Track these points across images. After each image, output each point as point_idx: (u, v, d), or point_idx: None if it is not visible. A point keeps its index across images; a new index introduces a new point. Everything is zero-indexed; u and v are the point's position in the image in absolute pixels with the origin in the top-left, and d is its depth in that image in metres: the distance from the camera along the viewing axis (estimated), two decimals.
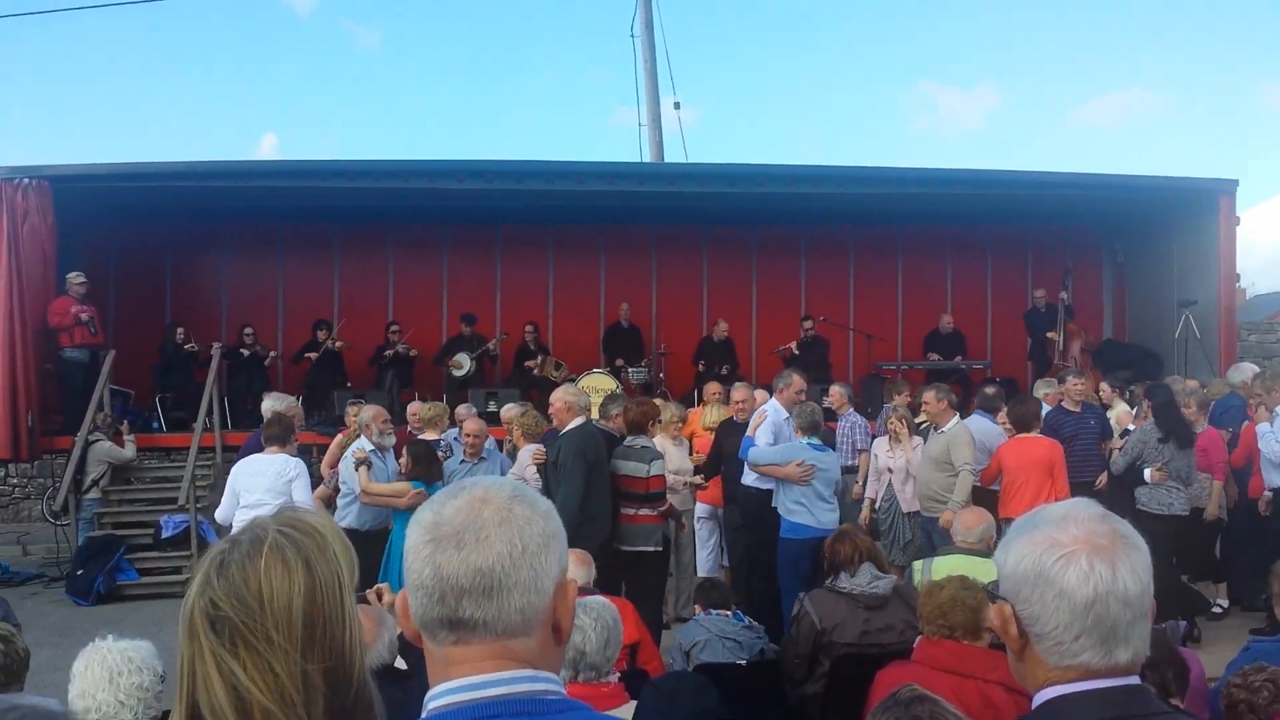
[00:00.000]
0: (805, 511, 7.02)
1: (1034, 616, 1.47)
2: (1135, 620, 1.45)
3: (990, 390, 9.36)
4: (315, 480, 8.26)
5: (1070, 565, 1.44)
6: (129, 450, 11.10)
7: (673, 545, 7.91)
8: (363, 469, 7.19)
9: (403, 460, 7.39)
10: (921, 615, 3.79)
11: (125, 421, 11.53)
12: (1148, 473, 7.84)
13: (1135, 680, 1.47)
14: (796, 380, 7.78)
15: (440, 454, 7.63)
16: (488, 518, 1.29)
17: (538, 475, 7.11)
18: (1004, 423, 8.59)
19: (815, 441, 7.21)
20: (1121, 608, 1.43)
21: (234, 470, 7.07)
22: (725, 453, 8.13)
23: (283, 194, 12.58)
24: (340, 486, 7.62)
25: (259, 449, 7.20)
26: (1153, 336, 13.98)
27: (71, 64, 49.20)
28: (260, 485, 6.80)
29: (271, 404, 8.20)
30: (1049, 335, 13.31)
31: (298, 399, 10.01)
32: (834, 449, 9.31)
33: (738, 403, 8.36)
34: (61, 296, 11.59)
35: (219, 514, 7.13)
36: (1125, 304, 15.38)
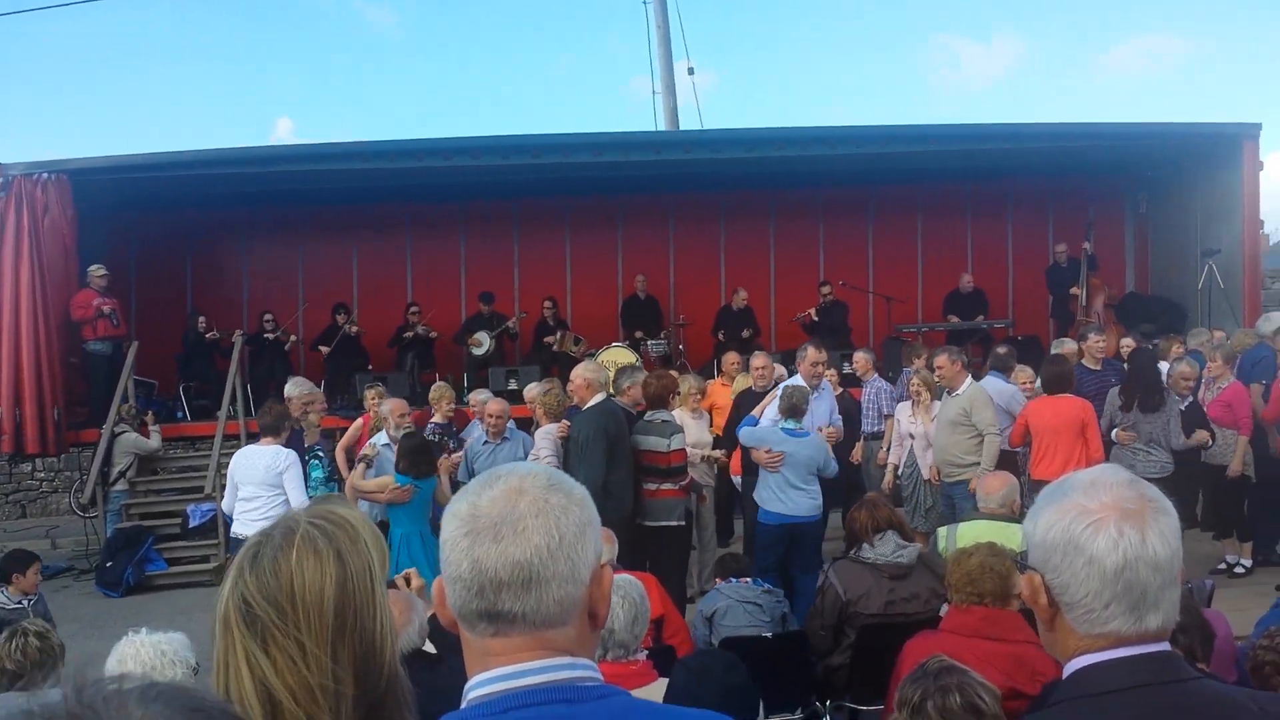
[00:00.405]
0: (775, 499, 6.98)
1: (1064, 585, 1.46)
2: (1165, 586, 1.44)
3: (1002, 350, 9.30)
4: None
5: (1099, 532, 1.43)
6: (154, 441, 11.17)
7: (695, 519, 7.86)
8: (359, 466, 7.20)
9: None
10: (950, 583, 3.76)
11: (150, 412, 11.61)
12: (1115, 433, 7.80)
13: (1166, 646, 1.46)
14: (811, 353, 7.67)
15: (433, 440, 7.62)
16: (524, 509, 1.28)
17: (551, 456, 7.10)
18: (1024, 383, 8.54)
19: (790, 426, 7.09)
20: (1151, 573, 1.42)
21: (232, 461, 7.09)
22: None
23: (299, 178, 12.57)
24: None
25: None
26: (1175, 288, 13.76)
27: (77, 57, 49.20)
28: (254, 478, 6.76)
29: (292, 389, 8.22)
30: (1073, 291, 13.16)
31: (319, 383, 10.04)
32: (860, 415, 9.31)
33: (757, 369, 8.32)
34: (83, 289, 11.63)
35: (224, 504, 7.18)
36: (1148, 255, 15.12)
